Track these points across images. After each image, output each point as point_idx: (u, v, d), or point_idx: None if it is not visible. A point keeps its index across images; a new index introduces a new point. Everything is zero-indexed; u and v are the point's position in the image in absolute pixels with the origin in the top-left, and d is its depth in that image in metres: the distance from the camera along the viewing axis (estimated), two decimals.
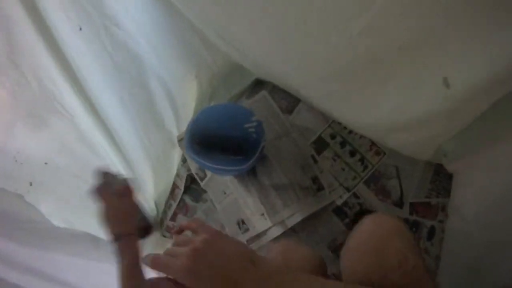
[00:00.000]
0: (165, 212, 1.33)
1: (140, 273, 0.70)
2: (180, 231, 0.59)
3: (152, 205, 1.30)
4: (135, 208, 0.80)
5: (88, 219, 1.08)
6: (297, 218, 1.02)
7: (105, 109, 0.97)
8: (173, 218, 1.31)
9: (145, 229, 0.85)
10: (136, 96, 1.10)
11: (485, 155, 0.80)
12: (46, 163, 0.90)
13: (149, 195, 1.27)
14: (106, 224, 0.73)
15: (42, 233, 0.84)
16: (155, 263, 0.47)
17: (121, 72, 1.00)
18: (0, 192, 0.74)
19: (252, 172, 1.10)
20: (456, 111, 0.69)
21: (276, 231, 1.04)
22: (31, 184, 0.82)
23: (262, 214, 1.06)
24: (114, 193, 0.74)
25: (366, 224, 0.62)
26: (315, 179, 1.08)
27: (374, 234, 0.59)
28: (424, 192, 1.01)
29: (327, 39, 0.71)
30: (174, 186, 1.32)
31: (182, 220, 1.29)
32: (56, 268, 0.84)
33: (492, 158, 0.78)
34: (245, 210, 1.12)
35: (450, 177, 0.99)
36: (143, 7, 0.94)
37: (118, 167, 1.10)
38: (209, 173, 1.21)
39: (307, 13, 0.69)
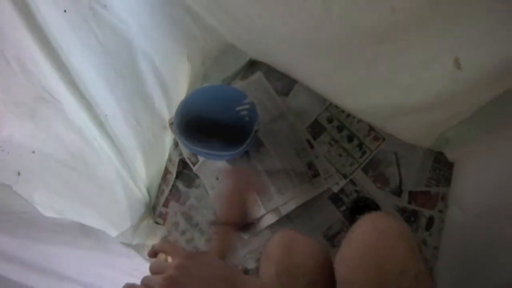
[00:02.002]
0: (157, 198, 1.36)
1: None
2: (154, 254, 0.58)
3: (144, 191, 1.33)
4: (248, 203, 0.85)
5: (78, 208, 1.12)
6: (291, 206, 1.05)
7: (93, 94, 0.99)
8: (166, 204, 1.34)
9: (247, 225, 0.91)
10: (126, 79, 1.11)
11: (487, 145, 0.82)
12: (33, 152, 0.92)
13: (141, 180, 1.30)
14: (219, 204, 0.83)
15: (31, 223, 0.87)
16: None
17: (109, 55, 1.01)
18: None
19: (246, 157, 1.13)
20: (464, 96, 0.69)
21: (270, 219, 1.08)
22: (19, 174, 0.84)
23: (256, 201, 1.09)
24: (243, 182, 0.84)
25: (365, 227, 0.60)
26: (310, 165, 1.11)
27: (374, 240, 0.57)
28: (424, 181, 1.04)
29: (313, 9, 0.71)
30: (166, 171, 1.34)
31: (174, 207, 1.32)
32: (45, 258, 0.87)
33: (494, 148, 0.80)
34: None
35: (450, 165, 1.02)
36: None
37: (108, 154, 1.12)
38: (201, 158, 1.23)
39: None
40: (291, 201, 1.05)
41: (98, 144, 1.08)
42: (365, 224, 0.60)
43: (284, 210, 1.05)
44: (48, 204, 0.94)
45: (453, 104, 0.75)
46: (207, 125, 1.02)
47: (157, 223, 1.36)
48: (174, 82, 1.25)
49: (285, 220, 1.09)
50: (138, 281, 0.50)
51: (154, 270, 0.50)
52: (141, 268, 1.20)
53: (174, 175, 1.32)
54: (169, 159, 1.34)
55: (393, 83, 0.80)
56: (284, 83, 1.20)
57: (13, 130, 0.80)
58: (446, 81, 0.67)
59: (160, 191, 1.36)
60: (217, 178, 1.20)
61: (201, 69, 1.31)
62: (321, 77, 1.02)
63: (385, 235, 0.57)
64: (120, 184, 1.21)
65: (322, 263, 0.66)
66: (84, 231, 1.05)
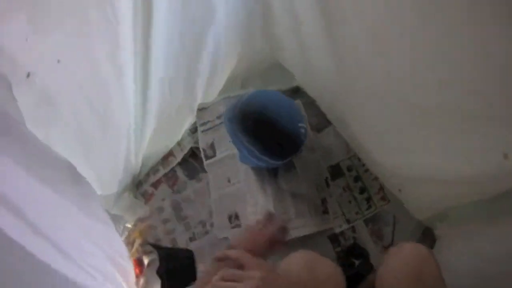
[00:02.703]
0: (147, 175, 1.31)
1: None
2: (221, 259, 0.68)
3: (139, 162, 1.26)
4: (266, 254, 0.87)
5: (75, 145, 1.04)
6: (302, 232, 1.12)
7: (153, 38, 1.01)
8: (156, 185, 1.30)
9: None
10: (186, 47, 1.13)
11: (477, 231, 0.97)
12: (58, 61, 0.84)
13: (142, 150, 1.25)
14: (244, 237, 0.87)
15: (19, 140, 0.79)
16: None
17: (186, 19, 1.06)
18: None
19: (273, 172, 1.18)
20: (498, 179, 0.80)
21: None
22: (28, 76, 0.76)
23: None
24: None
25: (407, 249, 0.77)
26: (323, 201, 1.20)
27: (418, 261, 0.74)
28: None
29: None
30: (169, 154, 1.31)
31: (164, 191, 1.28)
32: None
33: (482, 236, 0.98)
34: (246, 205, 1.18)
35: (433, 242, 1.19)
36: None
37: (129, 105, 1.10)
38: (219, 154, 1.25)
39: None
40: (304, 227, 1.12)
41: (127, 90, 1.06)
42: (412, 247, 0.77)
43: (295, 234, 1.10)
44: (43, 124, 0.86)
45: (484, 184, 0.85)
46: (264, 127, 1.06)
47: (135, 198, 1.30)
48: (220, 71, 1.27)
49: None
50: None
51: (228, 277, 0.59)
52: (113, 243, 1.13)
53: (178, 161, 1.29)
54: (179, 143, 1.31)
55: (436, 156, 0.94)
56: (320, 120, 1.30)
57: (52, 25, 0.76)
58: (492, 167, 0.79)
59: (153, 169, 1.31)
60: (229, 181, 1.21)
61: (243, 73, 1.35)
62: (368, 134, 1.14)
63: (427, 260, 0.74)
64: (125, 143, 1.16)
65: (341, 284, 0.78)
66: (74, 177, 0.97)
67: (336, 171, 1.25)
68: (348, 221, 1.20)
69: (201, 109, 1.28)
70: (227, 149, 1.24)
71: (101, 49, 0.94)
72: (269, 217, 0.95)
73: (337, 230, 1.19)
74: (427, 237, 1.20)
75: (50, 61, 0.83)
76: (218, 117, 1.27)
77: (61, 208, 0.98)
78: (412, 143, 0.99)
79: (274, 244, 0.88)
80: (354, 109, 1.14)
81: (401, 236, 1.20)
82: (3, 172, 0.77)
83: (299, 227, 1.12)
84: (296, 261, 0.77)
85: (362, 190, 1.24)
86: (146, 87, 1.10)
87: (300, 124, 1.07)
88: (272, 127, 1.06)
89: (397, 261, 0.76)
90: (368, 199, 1.23)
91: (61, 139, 0.93)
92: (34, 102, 0.84)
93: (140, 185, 1.31)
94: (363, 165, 1.26)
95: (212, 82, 1.26)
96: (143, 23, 0.97)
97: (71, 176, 0.97)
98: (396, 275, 0.74)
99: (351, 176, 1.25)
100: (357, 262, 1.14)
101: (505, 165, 0.75)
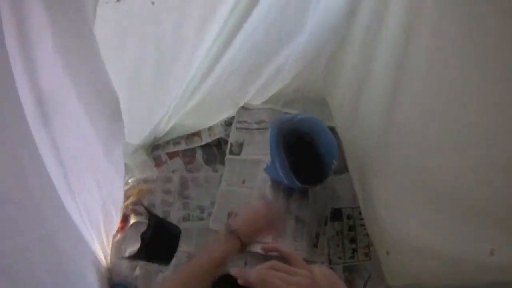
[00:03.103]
0: (168, 143, 1.33)
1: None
2: (269, 250, 0.72)
3: (168, 126, 1.29)
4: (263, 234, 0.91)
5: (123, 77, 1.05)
6: None
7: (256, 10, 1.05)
8: (171, 156, 1.32)
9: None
10: (271, 40, 1.19)
11: None
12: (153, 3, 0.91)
13: (177, 115, 1.28)
14: (244, 220, 0.87)
15: None
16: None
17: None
18: None
19: (288, 192, 1.24)
20: (480, 270, 0.87)
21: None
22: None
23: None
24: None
25: None
26: (317, 235, 1.27)
27: None
28: None
29: None
30: (196, 134, 1.36)
31: (177, 164, 1.31)
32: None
33: None
34: None
35: None
36: None
37: (196, 56, 1.12)
38: (244, 155, 1.30)
39: None
40: (296, 251, 1.18)
41: (200, 51, 1.10)
42: None
43: None
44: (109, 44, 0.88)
45: (467, 271, 0.92)
46: (303, 148, 1.14)
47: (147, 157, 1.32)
48: (276, 82, 1.34)
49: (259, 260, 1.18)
50: None
51: (279, 269, 0.59)
52: (114, 191, 1.14)
53: (202, 143, 1.33)
54: (209, 128, 1.35)
55: (433, 232, 1.02)
56: (340, 164, 1.38)
57: None
58: (478, 258, 0.85)
59: (174, 141, 1.33)
60: (243, 183, 1.27)
61: (290, 93, 1.43)
62: (381, 195, 1.25)
63: None
64: (168, 102, 1.19)
65: None
66: (114, 114, 0.99)
67: (336, 214, 1.33)
68: (330, 261, 1.28)
69: (244, 108, 1.34)
70: (253, 154, 1.31)
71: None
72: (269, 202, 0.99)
73: (318, 266, 1.26)
74: None
75: None
76: (257, 123, 1.34)
77: (86, 141, 0.99)
78: (417, 217, 1.10)
79: (272, 229, 0.92)
80: (379, 173, 1.24)
81: None
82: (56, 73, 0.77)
83: (291, 249, 1.18)
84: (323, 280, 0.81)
85: (352, 241, 1.32)
86: (216, 61, 1.15)
87: (333, 160, 1.16)
88: (309, 152, 1.14)
89: None
90: (354, 250, 1.31)
91: (118, 68, 0.94)
92: (113, 24, 0.89)
93: (156, 149, 1.34)
94: (361, 219, 1.35)
95: (265, 88, 1.33)
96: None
97: (112, 112, 0.99)
98: None
99: (347, 224, 1.34)
100: None
101: (489, 260, 0.81)
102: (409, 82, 0.98)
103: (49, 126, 0.80)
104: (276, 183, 1.25)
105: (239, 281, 0.59)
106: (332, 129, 1.45)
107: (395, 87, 1.08)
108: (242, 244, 0.84)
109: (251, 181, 1.27)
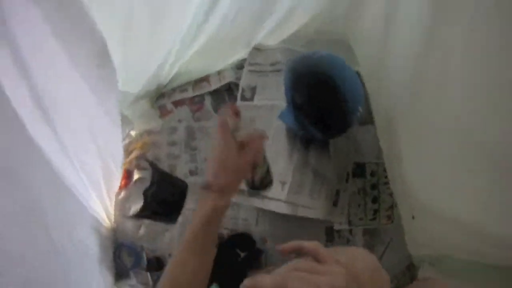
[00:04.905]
0: (173, 90, 1.23)
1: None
2: (294, 250, 0.58)
3: (172, 72, 1.19)
4: (253, 165, 0.83)
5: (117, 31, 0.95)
6: (308, 213, 1.09)
7: None
8: (177, 104, 1.22)
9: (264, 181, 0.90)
10: None
11: None
12: None
13: (180, 59, 1.17)
14: (210, 168, 0.77)
15: None
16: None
17: None
18: None
19: (306, 143, 1.14)
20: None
21: (279, 208, 1.09)
22: None
23: (284, 183, 1.10)
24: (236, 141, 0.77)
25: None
26: (337, 192, 1.18)
27: None
28: (390, 275, 1.21)
29: None
30: (204, 78, 1.25)
31: (183, 112, 1.22)
32: None
33: None
34: None
35: (413, 279, 1.21)
36: None
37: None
38: (257, 101, 1.20)
39: None
40: (311, 209, 1.09)
41: None
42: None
43: (301, 213, 1.08)
44: None
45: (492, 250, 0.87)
46: (324, 92, 1.01)
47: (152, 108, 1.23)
48: (292, 21, 1.19)
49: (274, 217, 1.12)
50: None
51: (306, 269, 0.51)
52: (112, 146, 1.08)
53: (211, 89, 1.22)
54: (219, 72, 1.24)
55: (469, 202, 0.94)
56: (365, 114, 1.25)
57: None
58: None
59: (181, 88, 1.24)
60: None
61: (310, 35, 1.28)
62: (411, 153, 1.12)
63: None
64: (168, 46, 1.09)
65: None
66: (102, 58, 0.91)
67: (359, 170, 1.22)
68: (349, 223, 1.19)
69: (257, 49, 1.21)
70: (267, 99, 1.19)
71: None
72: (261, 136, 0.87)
73: (336, 227, 1.18)
74: (409, 273, 1.22)
75: None
76: (272, 64, 1.21)
77: (75, 88, 0.91)
78: (453, 182, 0.98)
79: (245, 166, 0.80)
80: (409, 126, 1.11)
81: (390, 259, 1.21)
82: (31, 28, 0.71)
83: (307, 208, 1.10)
84: (361, 258, 0.70)
85: (375, 200, 1.22)
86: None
87: (359, 107, 1.03)
88: (332, 97, 1.00)
89: None
90: (376, 211, 1.22)
91: (105, 9, 0.85)
92: None
93: (161, 98, 1.25)
94: (386, 177, 1.24)
95: (279, 28, 1.18)
96: None
97: (99, 55, 0.90)
98: None
99: (370, 182, 1.23)
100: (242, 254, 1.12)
101: None
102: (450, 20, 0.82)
103: (26, 70, 0.73)
104: (291, 132, 1.14)
105: None
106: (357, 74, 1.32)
107: (432, 25, 0.93)
108: (221, 197, 0.75)
109: (265, 129, 1.15)
